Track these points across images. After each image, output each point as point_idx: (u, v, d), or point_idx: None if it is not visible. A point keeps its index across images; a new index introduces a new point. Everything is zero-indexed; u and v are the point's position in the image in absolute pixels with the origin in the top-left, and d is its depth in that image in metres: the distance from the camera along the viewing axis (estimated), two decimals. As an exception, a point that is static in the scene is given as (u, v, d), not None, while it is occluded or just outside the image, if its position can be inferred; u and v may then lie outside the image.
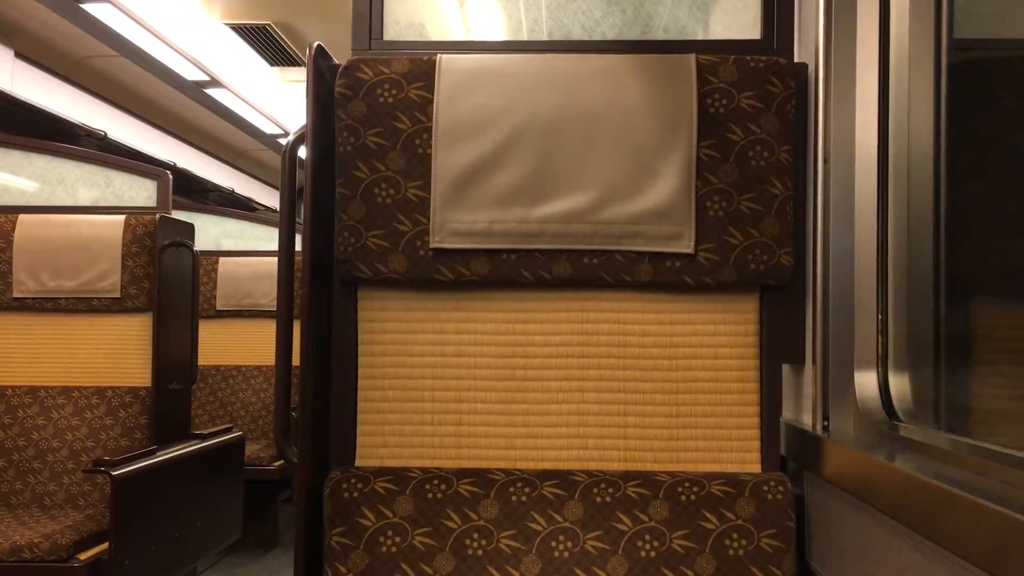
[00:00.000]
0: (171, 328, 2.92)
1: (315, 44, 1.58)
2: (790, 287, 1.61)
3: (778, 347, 1.62)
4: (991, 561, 0.87)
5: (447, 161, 1.60)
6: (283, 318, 1.65)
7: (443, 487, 1.57)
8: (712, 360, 1.62)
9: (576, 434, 1.62)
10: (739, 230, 1.58)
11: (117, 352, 2.85)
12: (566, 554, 1.53)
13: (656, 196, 1.58)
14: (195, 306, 3.12)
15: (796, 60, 1.66)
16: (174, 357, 2.95)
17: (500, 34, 1.83)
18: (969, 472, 1.06)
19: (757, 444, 1.61)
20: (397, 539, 1.55)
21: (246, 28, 5.64)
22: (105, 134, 5.82)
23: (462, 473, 1.59)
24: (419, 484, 1.58)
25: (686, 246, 1.58)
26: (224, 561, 4.08)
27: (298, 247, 1.76)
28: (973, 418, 1.42)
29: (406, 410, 1.64)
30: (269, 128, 7.38)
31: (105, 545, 2.39)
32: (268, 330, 4.46)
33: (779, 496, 1.54)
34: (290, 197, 1.69)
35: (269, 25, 5.58)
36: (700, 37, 1.76)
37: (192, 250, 3.05)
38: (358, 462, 1.64)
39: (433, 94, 1.61)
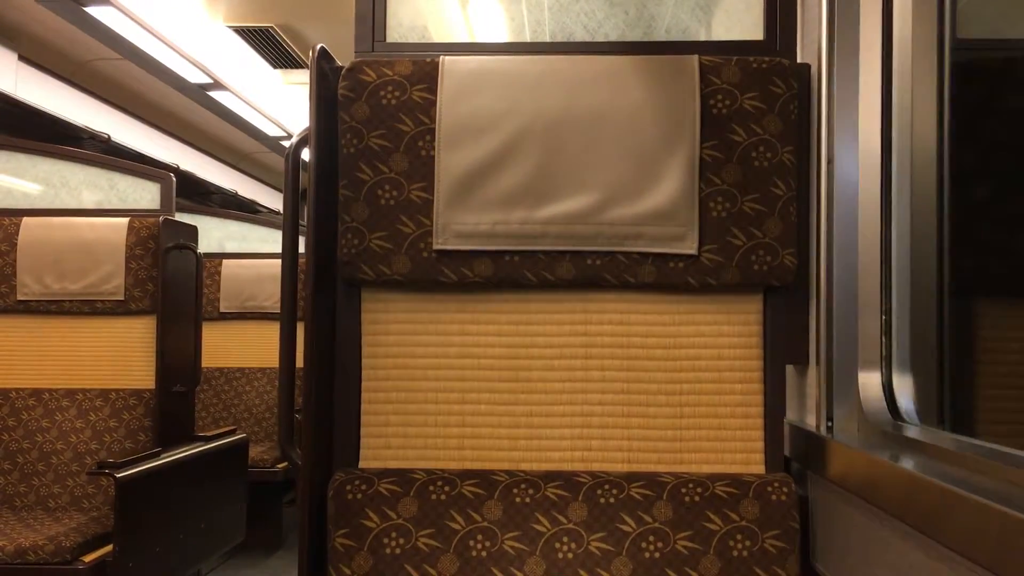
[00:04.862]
0: (175, 330, 2.93)
1: (318, 46, 1.58)
2: (794, 288, 1.61)
3: (782, 348, 1.62)
4: (995, 561, 0.87)
5: (450, 163, 1.60)
6: (286, 320, 1.65)
7: (447, 488, 1.57)
8: (716, 361, 1.62)
9: (580, 435, 1.62)
10: (742, 231, 1.58)
11: (121, 354, 2.86)
12: (570, 555, 1.53)
13: (659, 197, 1.58)
14: (199, 308, 3.12)
15: (799, 61, 1.66)
16: (178, 359, 2.95)
17: (503, 36, 1.83)
18: (973, 472, 1.06)
19: (761, 445, 1.61)
20: (401, 540, 1.55)
21: (249, 31, 5.65)
22: (109, 137, 5.83)
23: (466, 474, 1.59)
24: (423, 486, 1.58)
25: (689, 247, 1.58)
26: (228, 563, 4.09)
27: (301, 249, 1.76)
28: (977, 418, 1.42)
29: (409, 411, 1.64)
30: (272, 130, 7.39)
31: (109, 547, 2.40)
32: (272, 332, 4.46)
33: (783, 497, 1.53)
34: (293, 199, 1.69)
35: (272, 28, 5.58)
36: (703, 38, 1.76)
37: (195, 252, 3.05)
38: (362, 464, 1.64)
39: (436, 96, 1.61)
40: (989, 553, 0.88)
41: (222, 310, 4.48)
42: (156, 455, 2.57)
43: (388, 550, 1.55)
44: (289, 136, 7.45)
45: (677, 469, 1.60)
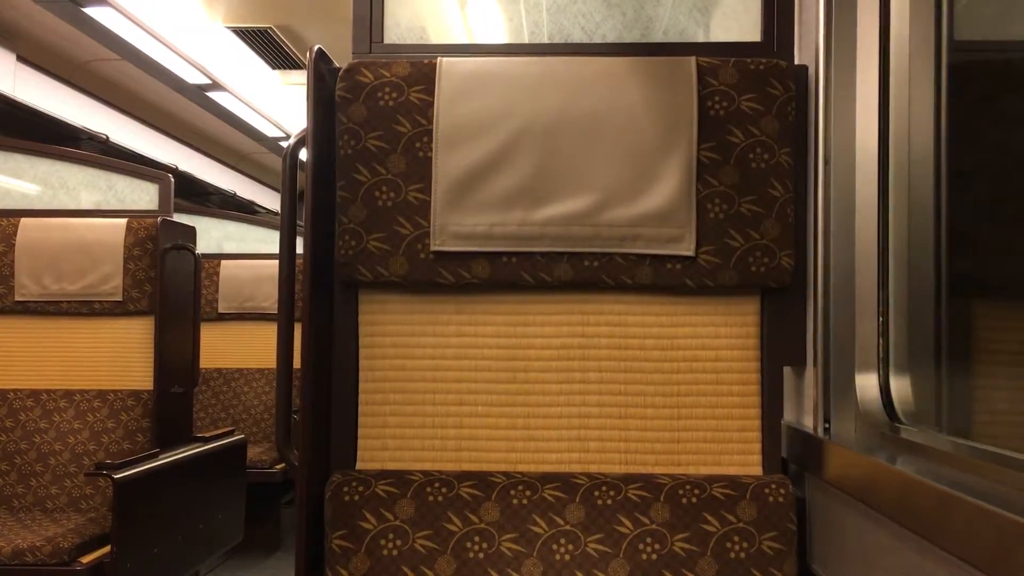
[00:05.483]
0: (173, 331, 2.92)
1: (316, 47, 1.58)
2: (791, 289, 1.61)
3: (779, 349, 1.62)
4: (992, 563, 0.87)
5: (448, 164, 1.60)
6: (284, 321, 1.65)
7: (444, 490, 1.57)
8: (713, 362, 1.62)
9: (577, 436, 1.62)
10: (740, 232, 1.58)
11: (119, 355, 2.86)
12: (567, 557, 1.53)
13: (657, 198, 1.58)
14: (197, 309, 3.12)
15: (796, 62, 1.66)
16: (176, 360, 2.95)
17: (501, 37, 1.83)
18: (970, 474, 1.06)
19: (758, 446, 1.61)
20: (398, 542, 1.55)
21: (247, 31, 5.65)
22: (107, 137, 5.83)
23: (463, 476, 1.59)
24: (420, 487, 1.58)
25: (687, 248, 1.58)
26: (226, 564, 4.08)
27: (299, 250, 1.76)
28: (974, 420, 1.42)
29: (407, 413, 1.64)
30: (271, 131, 7.39)
31: (107, 548, 2.39)
32: (270, 333, 4.46)
33: (780, 499, 1.53)
34: (291, 200, 1.69)
35: (270, 28, 5.58)
36: (700, 40, 1.76)
37: (194, 253, 3.05)
38: (359, 465, 1.64)
39: (434, 97, 1.61)
40: (986, 555, 0.88)
41: (220, 311, 4.47)
42: (154, 456, 2.57)
43: (385, 551, 1.55)
44: (287, 136, 7.45)
45: (674, 471, 1.60)
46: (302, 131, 1.62)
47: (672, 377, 1.62)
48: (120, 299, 2.84)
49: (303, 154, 1.63)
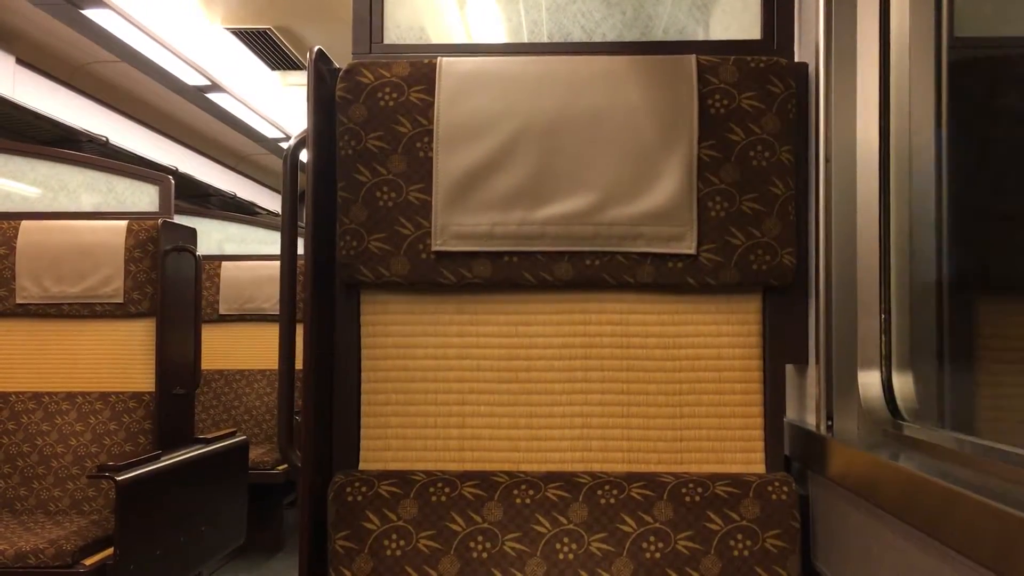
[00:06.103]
0: (174, 333, 2.93)
1: (315, 48, 1.58)
2: (793, 287, 1.61)
3: (781, 347, 1.61)
4: (996, 560, 0.87)
5: (448, 164, 1.60)
6: (285, 322, 1.65)
7: (447, 490, 1.57)
8: (715, 361, 1.62)
9: (579, 436, 1.62)
10: (741, 230, 1.58)
11: (120, 357, 2.86)
12: (571, 556, 1.53)
13: (658, 197, 1.58)
14: (198, 310, 3.12)
15: (796, 60, 1.66)
16: (177, 362, 2.95)
17: (500, 37, 1.83)
18: (974, 471, 1.06)
19: (761, 444, 1.61)
20: (401, 542, 1.55)
21: (247, 32, 5.65)
22: (107, 139, 5.83)
23: (466, 476, 1.59)
24: (423, 487, 1.58)
25: (688, 247, 1.58)
26: (229, 565, 4.08)
27: (300, 251, 1.76)
28: (976, 416, 1.42)
29: (409, 413, 1.64)
30: (271, 132, 7.39)
31: (110, 550, 2.39)
32: (271, 334, 4.46)
33: (783, 496, 1.53)
34: (292, 201, 1.69)
35: (270, 29, 5.58)
36: (700, 38, 1.76)
37: (194, 255, 3.05)
38: (362, 465, 1.64)
39: (434, 97, 1.61)
40: (990, 551, 0.88)
41: (221, 312, 4.47)
42: (156, 458, 2.57)
43: (389, 552, 1.55)
44: (288, 137, 7.44)
45: (677, 469, 1.60)
46: (302, 132, 1.62)
47: (674, 376, 1.62)
48: (121, 301, 2.84)
49: (304, 155, 1.63)
